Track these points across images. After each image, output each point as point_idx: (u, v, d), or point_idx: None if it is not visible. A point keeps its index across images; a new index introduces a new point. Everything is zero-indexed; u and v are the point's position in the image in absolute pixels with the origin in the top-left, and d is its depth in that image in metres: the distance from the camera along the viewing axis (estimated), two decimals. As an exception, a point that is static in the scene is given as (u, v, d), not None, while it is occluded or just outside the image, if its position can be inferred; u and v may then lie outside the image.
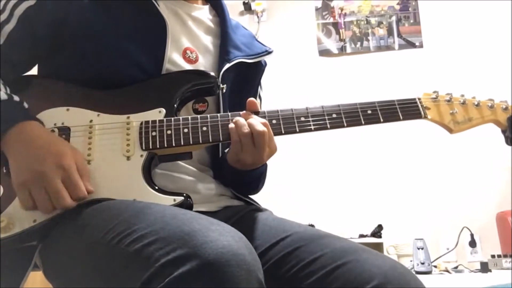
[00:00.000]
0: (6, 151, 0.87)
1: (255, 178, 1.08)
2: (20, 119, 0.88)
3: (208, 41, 1.11)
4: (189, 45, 1.06)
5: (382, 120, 0.99)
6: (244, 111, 0.97)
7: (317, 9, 3.33)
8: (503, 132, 1.04)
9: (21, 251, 0.89)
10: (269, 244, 0.92)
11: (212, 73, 1.02)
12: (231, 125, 0.94)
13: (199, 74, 1.03)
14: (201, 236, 0.67)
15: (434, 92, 1.05)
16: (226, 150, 1.08)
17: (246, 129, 0.93)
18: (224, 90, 1.04)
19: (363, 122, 0.99)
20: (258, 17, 3.35)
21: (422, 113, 1.02)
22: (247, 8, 3.37)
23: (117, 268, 0.74)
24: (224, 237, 0.67)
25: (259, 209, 1.06)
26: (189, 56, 1.05)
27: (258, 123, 0.93)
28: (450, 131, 1.04)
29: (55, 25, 0.97)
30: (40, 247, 0.90)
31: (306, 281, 0.85)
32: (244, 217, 1.02)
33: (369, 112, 0.99)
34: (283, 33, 3.27)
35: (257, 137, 0.92)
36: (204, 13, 1.14)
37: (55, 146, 0.87)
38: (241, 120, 0.94)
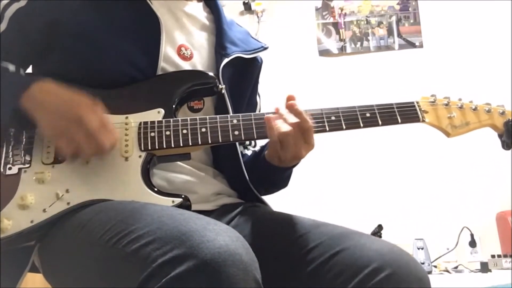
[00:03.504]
0: (31, 108, 0.88)
1: (289, 174, 1.10)
2: (36, 79, 0.90)
3: (203, 37, 1.11)
4: (183, 42, 1.06)
5: (380, 123, 1.00)
6: (276, 109, 0.97)
7: (317, 9, 3.33)
8: (500, 136, 1.04)
9: (19, 251, 0.89)
10: (267, 238, 0.93)
11: (211, 73, 1.02)
12: (273, 123, 0.94)
13: (198, 74, 1.03)
14: (198, 236, 0.67)
15: (432, 95, 1.05)
16: (251, 147, 1.12)
17: (286, 128, 0.93)
18: (223, 91, 1.04)
19: (361, 125, 0.99)
20: (258, 17, 3.34)
21: (420, 116, 1.02)
22: (247, 8, 3.37)
23: (115, 268, 0.74)
24: (221, 237, 0.68)
25: (256, 205, 1.07)
26: (183, 53, 1.05)
27: (305, 119, 0.94)
28: (448, 135, 1.04)
29: (47, 26, 0.97)
30: (38, 247, 0.90)
31: (306, 269, 0.85)
32: (241, 214, 1.03)
33: (368, 115, 1.00)
34: (283, 33, 3.27)
35: (306, 133, 0.94)
36: (198, 10, 1.14)
37: (80, 96, 0.89)
38: (280, 118, 0.95)
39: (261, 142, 1.16)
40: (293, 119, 0.94)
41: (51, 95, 0.88)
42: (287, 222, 0.96)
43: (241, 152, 1.12)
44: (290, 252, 0.89)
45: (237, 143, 1.06)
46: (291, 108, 0.95)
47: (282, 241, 0.91)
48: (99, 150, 0.86)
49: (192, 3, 1.13)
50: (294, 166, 1.04)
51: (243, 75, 1.13)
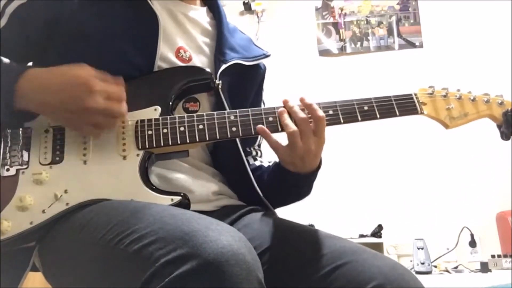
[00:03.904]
0: (28, 104, 0.87)
1: (312, 180, 1.07)
2: (24, 69, 0.89)
3: (203, 42, 1.10)
4: (183, 44, 1.06)
5: (378, 116, 0.99)
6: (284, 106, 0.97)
7: (317, 9, 3.33)
8: (499, 127, 1.03)
9: (19, 252, 0.89)
10: (268, 244, 0.92)
11: (208, 69, 1.02)
12: (290, 129, 0.93)
13: (195, 70, 1.03)
14: (201, 235, 0.67)
15: (430, 87, 1.04)
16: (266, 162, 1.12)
17: (291, 128, 0.93)
18: (219, 86, 1.03)
19: (359, 119, 0.98)
20: (258, 17, 3.34)
21: (418, 108, 1.01)
22: (247, 8, 3.37)
23: (117, 268, 0.74)
24: (224, 237, 0.67)
25: (258, 209, 1.06)
26: (182, 56, 1.04)
27: (315, 108, 0.93)
28: (446, 126, 1.03)
29: (46, 24, 0.97)
30: (38, 247, 0.90)
31: (308, 280, 0.85)
32: (243, 217, 1.02)
33: (366, 108, 0.99)
34: (283, 33, 3.27)
35: (317, 123, 0.93)
36: (201, 14, 1.13)
37: (70, 77, 0.88)
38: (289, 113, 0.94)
39: (267, 153, 1.15)
40: (298, 114, 0.94)
41: (42, 87, 0.87)
42: (290, 230, 0.95)
43: (253, 164, 1.13)
44: (291, 261, 0.88)
45: (239, 144, 1.05)
46: (301, 103, 0.95)
47: (284, 249, 0.90)
48: (117, 117, 0.89)
49: (195, 7, 1.12)
50: (317, 170, 1.02)
51: (243, 82, 1.12)
